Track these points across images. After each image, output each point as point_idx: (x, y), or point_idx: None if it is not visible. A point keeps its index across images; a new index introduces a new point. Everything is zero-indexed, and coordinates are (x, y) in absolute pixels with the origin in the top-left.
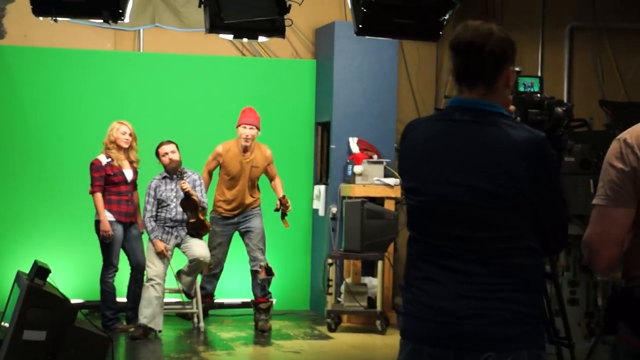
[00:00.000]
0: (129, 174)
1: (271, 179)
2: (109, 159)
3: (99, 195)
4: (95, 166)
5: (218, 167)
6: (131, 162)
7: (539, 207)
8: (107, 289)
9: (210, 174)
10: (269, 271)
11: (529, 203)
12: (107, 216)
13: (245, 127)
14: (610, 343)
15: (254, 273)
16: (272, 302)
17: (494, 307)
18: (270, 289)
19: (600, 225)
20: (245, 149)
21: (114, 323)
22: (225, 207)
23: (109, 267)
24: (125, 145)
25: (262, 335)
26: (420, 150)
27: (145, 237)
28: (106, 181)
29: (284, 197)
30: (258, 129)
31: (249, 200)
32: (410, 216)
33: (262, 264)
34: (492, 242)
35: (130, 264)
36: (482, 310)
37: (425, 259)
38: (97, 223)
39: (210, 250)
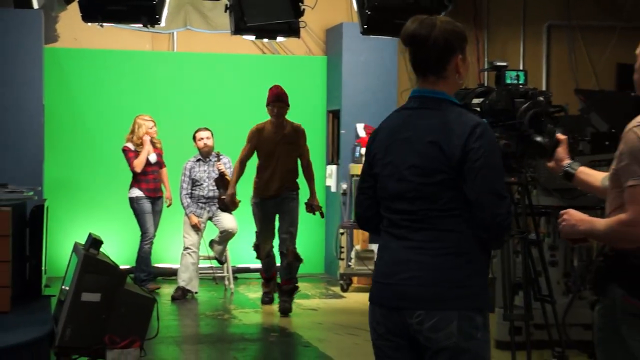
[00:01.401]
0: (152, 158)
1: (304, 165)
2: (136, 147)
3: (138, 160)
4: (127, 150)
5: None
6: (154, 146)
7: (467, 179)
8: (143, 254)
9: (243, 163)
10: (296, 257)
11: (460, 178)
12: (137, 193)
13: (274, 106)
14: (586, 299)
15: (282, 255)
16: (295, 286)
17: (426, 268)
18: None
19: None
20: (277, 127)
21: (146, 284)
22: (262, 188)
23: (145, 236)
24: (154, 136)
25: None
26: (383, 138)
27: (166, 211)
28: None
29: (311, 204)
30: (286, 103)
31: (286, 180)
32: (379, 196)
33: (290, 247)
34: (428, 212)
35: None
36: (416, 272)
37: (385, 230)
38: (131, 200)
39: (257, 237)
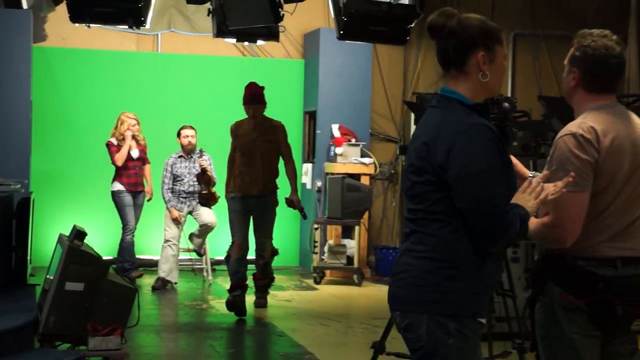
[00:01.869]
0: (134, 153)
1: (285, 161)
2: (118, 142)
3: (118, 154)
4: (110, 145)
5: None
6: (137, 142)
7: (452, 186)
8: (125, 245)
9: (232, 159)
10: (273, 253)
11: (444, 182)
12: (119, 187)
13: (249, 108)
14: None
15: (259, 256)
16: (271, 278)
17: (408, 271)
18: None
19: (574, 208)
20: (255, 125)
21: (129, 273)
22: (245, 187)
23: (126, 228)
24: (137, 134)
25: (259, 291)
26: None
27: (148, 205)
28: None
29: (292, 200)
30: (262, 103)
31: (269, 180)
32: None
33: (268, 251)
34: (418, 213)
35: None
36: (400, 273)
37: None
38: (113, 193)
39: (233, 234)
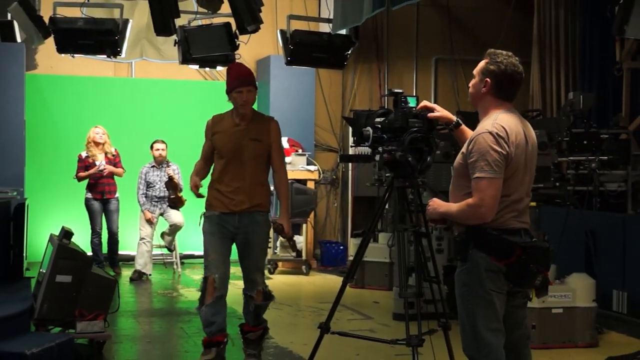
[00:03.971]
0: (101, 165)
1: (275, 169)
2: (87, 154)
3: (80, 176)
4: (79, 159)
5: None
6: (106, 154)
7: None
8: (94, 247)
9: (204, 160)
10: (266, 295)
11: None
12: (88, 195)
13: (240, 91)
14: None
15: (248, 298)
16: (265, 328)
17: None
18: None
19: (493, 190)
20: (243, 117)
21: None
22: (221, 198)
23: (93, 232)
24: (100, 141)
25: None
26: None
27: (125, 208)
28: (86, 169)
29: (280, 225)
30: (256, 87)
31: (257, 193)
32: None
33: (260, 288)
34: None
35: (107, 231)
36: None
37: None
38: (85, 200)
39: (207, 266)
